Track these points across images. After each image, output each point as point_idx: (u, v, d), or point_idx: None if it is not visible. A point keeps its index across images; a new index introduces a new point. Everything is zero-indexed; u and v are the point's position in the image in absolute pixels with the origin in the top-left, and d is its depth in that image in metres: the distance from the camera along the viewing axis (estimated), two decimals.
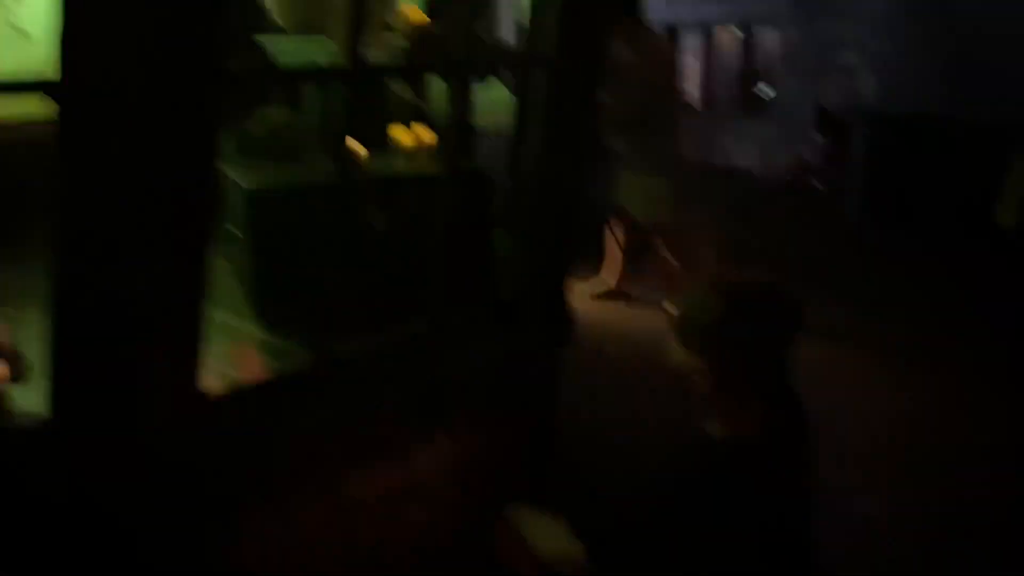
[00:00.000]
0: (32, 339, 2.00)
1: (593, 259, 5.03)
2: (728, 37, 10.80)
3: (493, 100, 3.96)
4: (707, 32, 10.81)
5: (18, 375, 1.97)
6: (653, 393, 3.15)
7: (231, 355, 2.26)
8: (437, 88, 3.36)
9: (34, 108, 2.40)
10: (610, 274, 5.02)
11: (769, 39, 10.38)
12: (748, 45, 10.53)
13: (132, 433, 1.75)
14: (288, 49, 3.36)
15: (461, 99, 2.39)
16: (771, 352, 1.43)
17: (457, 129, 2.48)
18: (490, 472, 2.52)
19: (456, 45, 2.73)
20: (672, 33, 11.05)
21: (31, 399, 1.89)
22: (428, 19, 3.26)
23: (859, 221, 7.64)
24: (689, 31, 10.94)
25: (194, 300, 1.73)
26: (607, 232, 4.96)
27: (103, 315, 1.64)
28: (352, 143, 2.85)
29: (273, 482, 1.97)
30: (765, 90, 10.43)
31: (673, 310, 1.50)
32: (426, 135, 3.11)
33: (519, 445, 2.63)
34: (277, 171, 2.68)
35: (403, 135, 3.04)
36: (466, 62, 2.44)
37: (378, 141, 2.99)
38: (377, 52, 3.02)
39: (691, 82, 11.17)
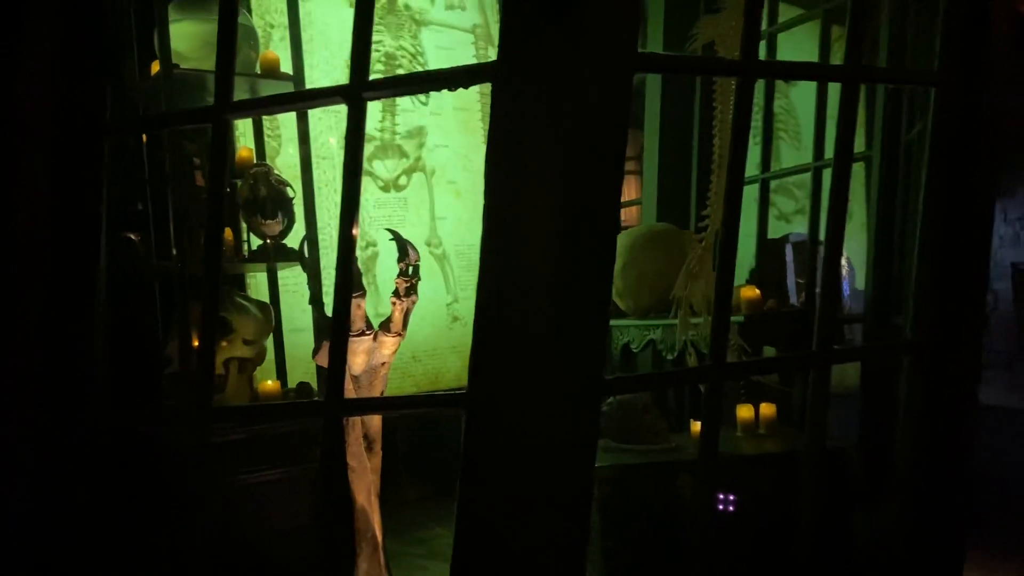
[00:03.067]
0: None
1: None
2: None
3: None
4: None
5: None
6: None
7: None
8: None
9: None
10: None
11: None
12: None
13: None
14: (631, 330, 3.68)
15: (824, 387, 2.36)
16: None
17: (824, 411, 2.45)
18: None
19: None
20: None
21: None
22: (759, 295, 3.40)
23: None
24: None
25: None
26: None
27: None
28: (693, 425, 2.95)
29: None
30: None
31: None
32: (766, 407, 3.11)
33: None
34: (623, 450, 2.81)
35: (745, 410, 3.08)
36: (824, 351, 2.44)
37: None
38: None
39: None
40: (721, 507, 2.67)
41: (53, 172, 1.60)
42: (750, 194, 3.62)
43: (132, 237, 2.55)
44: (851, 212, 2.66)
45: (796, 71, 1.98)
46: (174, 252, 2.46)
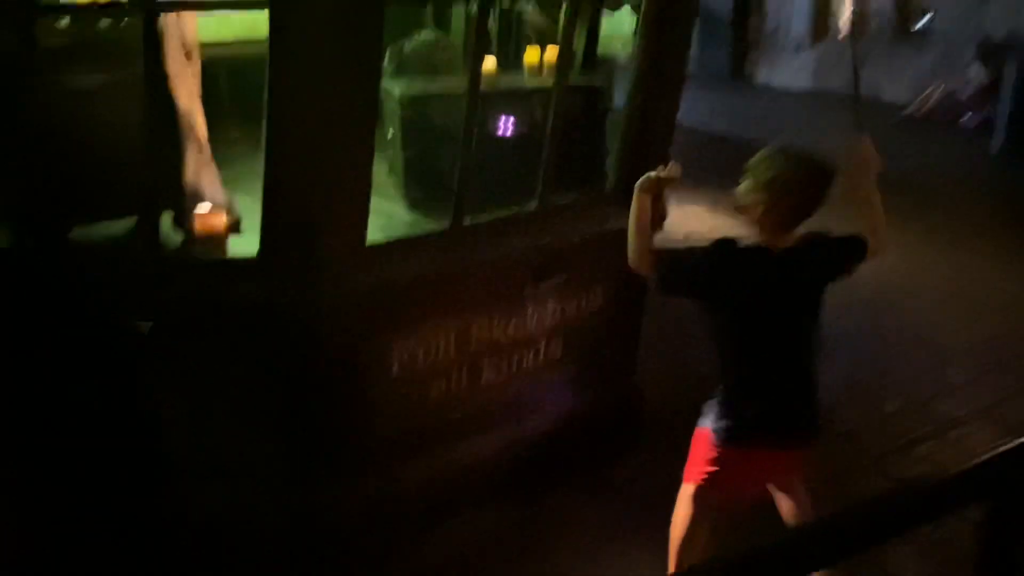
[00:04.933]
0: (246, 205, 2.69)
1: None
2: None
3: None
4: None
5: (236, 227, 2.66)
6: None
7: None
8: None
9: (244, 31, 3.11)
10: None
11: None
12: None
13: (318, 274, 2.40)
14: None
15: (572, 21, 2.85)
16: (807, 201, 2.16)
17: (570, 46, 2.92)
18: (589, 325, 3.05)
19: None
20: None
21: (243, 247, 2.58)
22: None
23: (1001, 155, 7.41)
24: None
25: (363, 181, 2.34)
26: None
27: (302, 190, 2.29)
28: (488, 61, 3.37)
29: (416, 317, 2.59)
30: (925, 18, 10.02)
31: None
32: (552, 55, 3.58)
33: (613, 305, 3.13)
34: (423, 82, 3.23)
35: (532, 55, 3.53)
36: None
37: (516, 61, 3.51)
38: None
39: (842, 10, 10.86)
40: (500, 130, 3.21)
41: None
42: None
43: None
44: None
45: None
46: None
